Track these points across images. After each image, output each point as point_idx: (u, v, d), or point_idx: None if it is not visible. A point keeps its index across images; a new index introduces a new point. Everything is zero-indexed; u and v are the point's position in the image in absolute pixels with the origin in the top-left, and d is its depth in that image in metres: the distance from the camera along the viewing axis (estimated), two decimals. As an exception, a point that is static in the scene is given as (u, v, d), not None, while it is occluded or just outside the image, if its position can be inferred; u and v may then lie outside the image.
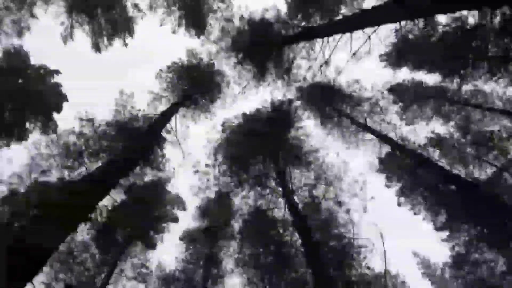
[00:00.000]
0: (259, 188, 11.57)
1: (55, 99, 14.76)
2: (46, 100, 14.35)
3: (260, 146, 12.47)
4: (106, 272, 13.29)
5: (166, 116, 12.38)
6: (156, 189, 18.43)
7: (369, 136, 12.99)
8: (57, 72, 14.62)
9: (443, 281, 20.89)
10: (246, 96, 12.64)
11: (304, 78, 12.35)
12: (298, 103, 14.33)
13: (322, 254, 8.89)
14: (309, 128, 15.06)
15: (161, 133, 16.01)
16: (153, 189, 18.30)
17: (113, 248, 14.66)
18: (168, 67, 13.31)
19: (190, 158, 12.23)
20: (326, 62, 11.47)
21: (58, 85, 14.86)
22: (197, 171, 11.71)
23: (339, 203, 10.32)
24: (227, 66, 13.09)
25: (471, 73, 16.12)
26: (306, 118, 14.53)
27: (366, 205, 10.17)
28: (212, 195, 12.38)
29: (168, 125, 15.74)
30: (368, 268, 10.83)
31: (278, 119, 13.45)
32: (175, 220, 19.42)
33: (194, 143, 13.81)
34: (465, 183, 18.21)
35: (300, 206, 11.23)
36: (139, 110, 12.90)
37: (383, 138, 11.74)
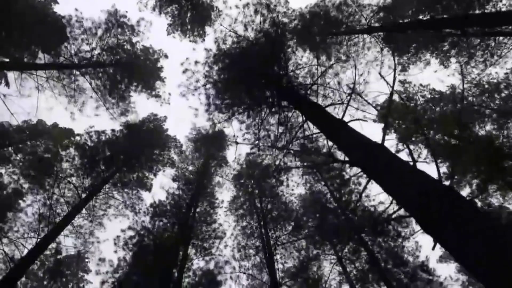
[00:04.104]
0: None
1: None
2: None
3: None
4: (92, 189, 12.79)
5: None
6: (152, 128, 18.02)
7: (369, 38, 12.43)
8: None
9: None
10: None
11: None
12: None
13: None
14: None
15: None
16: (149, 127, 17.90)
17: (103, 173, 14.15)
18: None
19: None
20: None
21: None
22: (186, 70, 11.15)
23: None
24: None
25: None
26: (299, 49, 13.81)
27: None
28: (202, 100, 11.68)
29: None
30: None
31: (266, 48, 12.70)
32: (172, 162, 18.76)
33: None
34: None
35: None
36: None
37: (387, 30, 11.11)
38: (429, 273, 10.99)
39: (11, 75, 10.65)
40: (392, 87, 6.12)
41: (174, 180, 17.71)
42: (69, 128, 15.69)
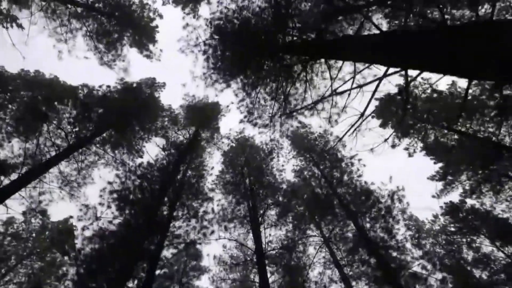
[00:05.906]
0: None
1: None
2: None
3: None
4: (82, 138, 12.56)
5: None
6: (149, 93, 17.85)
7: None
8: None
9: (432, 232, 20.25)
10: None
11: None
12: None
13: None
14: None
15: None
16: (146, 91, 17.74)
17: (94, 127, 13.94)
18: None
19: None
20: None
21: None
22: (187, 25, 11.04)
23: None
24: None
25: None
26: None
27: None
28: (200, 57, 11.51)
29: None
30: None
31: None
32: (165, 130, 18.50)
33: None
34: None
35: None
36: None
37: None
38: (419, 246, 10.89)
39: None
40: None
41: (164, 149, 17.54)
42: (67, 83, 15.51)
